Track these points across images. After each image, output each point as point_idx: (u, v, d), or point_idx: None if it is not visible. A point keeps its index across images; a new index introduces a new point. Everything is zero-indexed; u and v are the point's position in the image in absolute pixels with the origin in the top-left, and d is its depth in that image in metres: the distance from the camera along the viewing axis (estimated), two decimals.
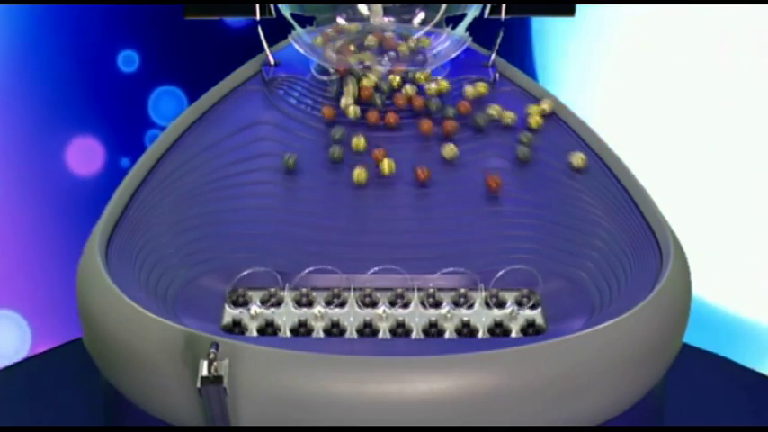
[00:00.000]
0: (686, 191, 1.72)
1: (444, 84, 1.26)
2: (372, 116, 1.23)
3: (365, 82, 1.26)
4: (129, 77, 1.76)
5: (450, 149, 1.17)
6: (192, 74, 1.73)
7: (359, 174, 1.13)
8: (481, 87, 1.26)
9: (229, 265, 1.01)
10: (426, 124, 1.21)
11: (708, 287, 1.68)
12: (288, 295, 0.98)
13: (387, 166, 1.14)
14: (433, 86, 1.25)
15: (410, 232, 1.06)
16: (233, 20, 1.71)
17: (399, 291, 0.99)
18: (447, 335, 0.95)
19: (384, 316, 0.97)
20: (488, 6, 1.31)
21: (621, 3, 1.70)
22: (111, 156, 1.76)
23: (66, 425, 1.14)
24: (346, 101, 1.24)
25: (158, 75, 1.77)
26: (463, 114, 1.22)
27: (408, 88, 1.25)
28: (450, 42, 1.31)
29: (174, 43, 1.74)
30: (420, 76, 1.26)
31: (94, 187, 1.74)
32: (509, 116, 1.22)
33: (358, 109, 1.23)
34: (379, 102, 1.24)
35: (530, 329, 0.96)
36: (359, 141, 1.18)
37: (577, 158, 1.14)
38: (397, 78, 1.26)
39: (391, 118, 1.22)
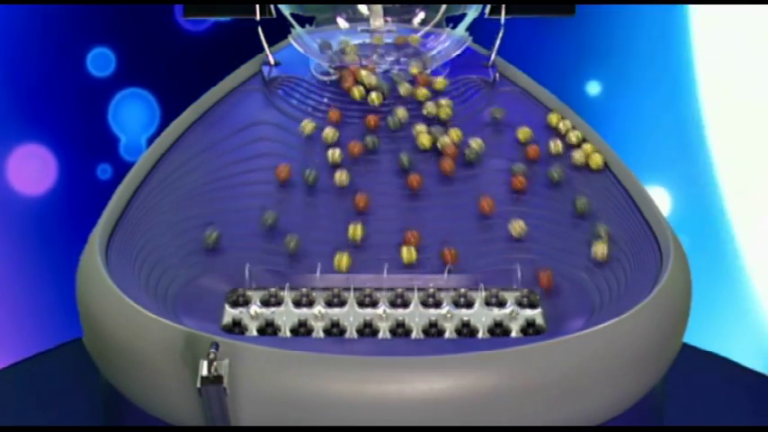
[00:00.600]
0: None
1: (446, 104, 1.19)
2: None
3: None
4: (94, 79, 1.65)
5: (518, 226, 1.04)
6: (163, 76, 1.65)
7: (340, 259, 1.00)
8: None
9: (229, 265, 1.01)
10: (487, 202, 1.06)
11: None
12: (288, 295, 0.98)
13: (406, 254, 1.02)
14: (430, 105, 1.18)
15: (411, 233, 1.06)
16: (194, 23, 1.65)
17: (399, 291, 0.99)
18: (447, 335, 0.95)
19: (384, 316, 0.97)
20: (488, 6, 1.30)
21: (620, 3, 1.70)
22: (66, 170, 1.61)
23: (67, 425, 1.14)
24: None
25: (127, 76, 1.65)
26: (531, 160, 1.13)
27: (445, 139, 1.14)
28: (450, 42, 1.30)
29: (147, 43, 1.64)
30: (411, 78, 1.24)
31: (43, 206, 1.55)
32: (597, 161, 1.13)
33: (345, 176, 1.10)
34: (407, 163, 1.13)
35: (530, 329, 0.96)
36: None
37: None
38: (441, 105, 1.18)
39: (414, 181, 1.09)
